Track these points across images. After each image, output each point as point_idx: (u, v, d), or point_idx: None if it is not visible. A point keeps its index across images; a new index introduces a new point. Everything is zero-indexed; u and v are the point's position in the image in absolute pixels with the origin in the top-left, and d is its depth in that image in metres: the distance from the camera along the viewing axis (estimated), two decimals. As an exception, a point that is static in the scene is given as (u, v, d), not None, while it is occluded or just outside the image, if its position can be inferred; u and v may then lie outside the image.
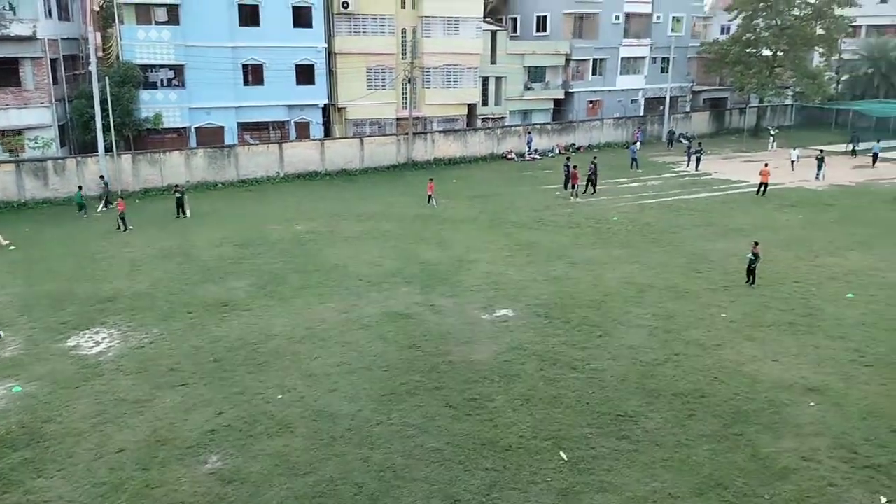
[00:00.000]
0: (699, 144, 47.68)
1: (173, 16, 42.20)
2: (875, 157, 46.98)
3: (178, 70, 43.07)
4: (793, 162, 44.33)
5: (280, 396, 16.62)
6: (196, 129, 44.03)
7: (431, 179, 37.62)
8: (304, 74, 46.18)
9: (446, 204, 36.29)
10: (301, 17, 45.41)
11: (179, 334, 20.31)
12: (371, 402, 16.32)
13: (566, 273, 25.33)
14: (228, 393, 16.84)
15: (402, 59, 48.85)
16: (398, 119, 50.17)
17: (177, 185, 36.01)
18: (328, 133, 48.74)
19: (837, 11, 56.17)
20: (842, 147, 52.59)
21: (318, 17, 45.76)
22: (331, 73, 47.94)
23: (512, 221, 32.90)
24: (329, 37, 47.06)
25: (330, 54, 47.53)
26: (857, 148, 50.37)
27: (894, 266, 25.61)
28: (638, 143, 51.38)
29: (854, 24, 64.78)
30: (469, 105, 53.11)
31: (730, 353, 18.73)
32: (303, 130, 47.07)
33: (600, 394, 16.61)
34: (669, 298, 22.73)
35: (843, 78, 66.00)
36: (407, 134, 47.86)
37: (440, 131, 50.23)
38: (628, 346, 19.14)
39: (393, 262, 26.81)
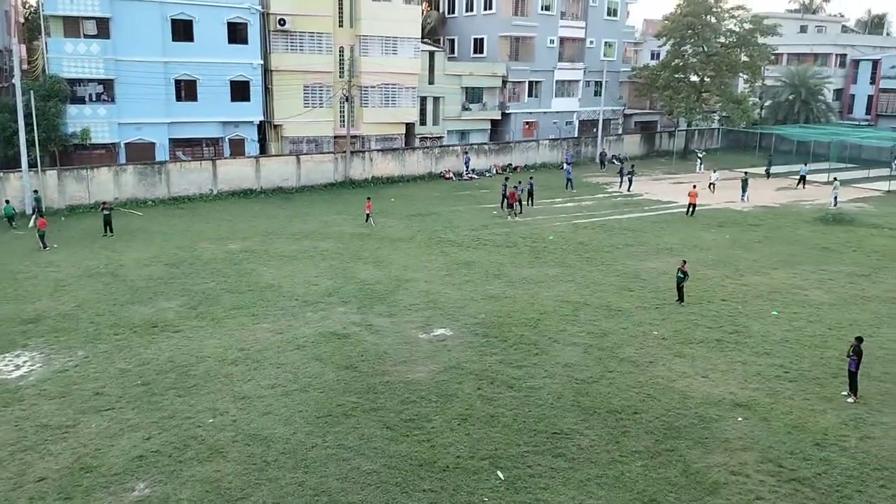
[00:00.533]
0: (631, 166, 48.95)
1: (103, 29, 41.04)
2: (802, 179, 49.04)
3: (107, 85, 41.83)
4: (712, 184, 45.70)
5: (211, 420, 16.15)
6: (126, 145, 42.76)
7: (369, 198, 37.49)
8: (239, 91, 45.51)
9: (384, 223, 36.19)
10: (236, 34, 44.83)
11: (105, 357, 19.56)
12: (306, 424, 16.03)
13: (503, 292, 25.53)
14: (157, 417, 16.27)
15: (340, 77, 48.70)
16: (336, 137, 49.90)
17: (104, 203, 34.84)
18: (264, 150, 48.06)
19: (760, 40, 58.89)
20: (762, 169, 54.83)
21: (253, 34, 45.26)
22: (267, 90, 47.40)
23: (450, 240, 33.03)
24: (265, 53, 46.58)
25: (266, 71, 47.02)
26: (770, 170, 52.54)
27: (815, 284, 26.74)
28: (570, 164, 52.37)
29: (776, 52, 68.02)
30: (407, 124, 53.25)
31: (661, 369, 19.16)
32: (237, 147, 46.29)
33: (537, 412, 16.73)
34: (603, 316, 23.15)
35: (767, 103, 69.00)
36: (345, 152, 47.63)
37: (378, 150, 50.18)
38: (564, 364, 19.36)
39: (329, 281, 26.53)
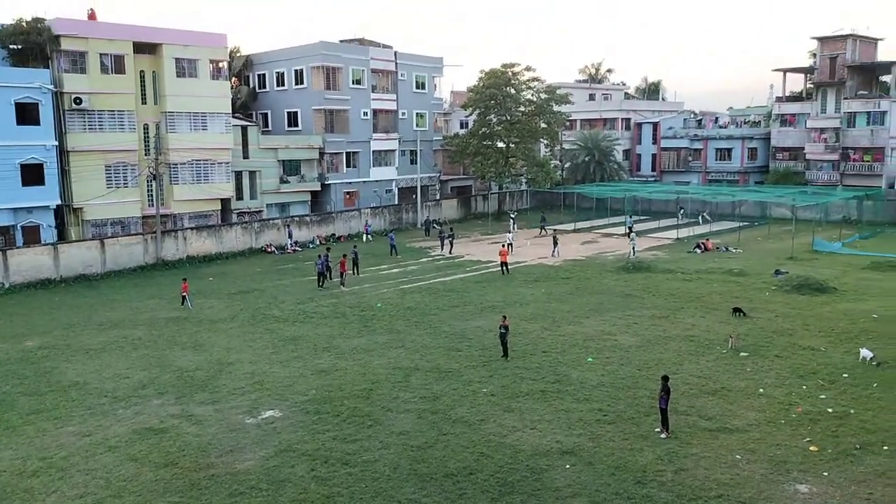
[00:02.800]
0: (450, 229, 50.64)
1: None
2: (630, 229, 52.67)
3: None
4: (510, 244, 47.02)
5: (6, 546, 14.19)
6: None
7: (185, 279, 35.66)
8: (32, 174, 42.03)
9: (203, 304, 34.51)
10: (27, 114, 41.64)
11: None
12: (122, 534, 14.53)
13: (334, 364, 25.06)
14: (-64, 553, 14.04)
15: (147, 155, 46.57)
16: (145, 217, 47.35)
17: None
18: (63, 236, 44.41)
19: (556, 108, 64.29)
20: (571, 226, 59.06)
21: (46, 114, 42.27)
22: (64, 172, 44.19)
23: (275, 316, 32.08)
24: (61, 133, 43.57)
25: (63, 152, 43.91)
26: (545, 226, 56.48)
27: (623, 329, 28.80)
28: (368, 235, 53.66)
29: (570, 118, 74.47)
30: (223, 200, 51.77)
31: (493, 426, 19.57)
32: (32, 235, 42.44)
33: (374, 486, 16.36)
34: (434, 379, 23.36)
35: (566, 165, 74.83)
36: (155, 233, 45.19)
37: (192, 228, 48.16)
38: (399, 433, 19.20)
39: (143, 372, 24.66)
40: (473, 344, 27.20)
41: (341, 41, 61.69)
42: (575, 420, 19.84)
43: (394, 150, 63.39)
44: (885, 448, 17.59)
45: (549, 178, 64.69)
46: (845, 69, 63.44)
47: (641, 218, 62.64)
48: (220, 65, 50.97)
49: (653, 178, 77.06)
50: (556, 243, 46.68)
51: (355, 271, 40.83)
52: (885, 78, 67.30)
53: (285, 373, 24.28)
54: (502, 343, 25.48)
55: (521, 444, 18.38)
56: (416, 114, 65.05)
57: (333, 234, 55.34)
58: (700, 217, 60.21)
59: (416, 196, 61.64)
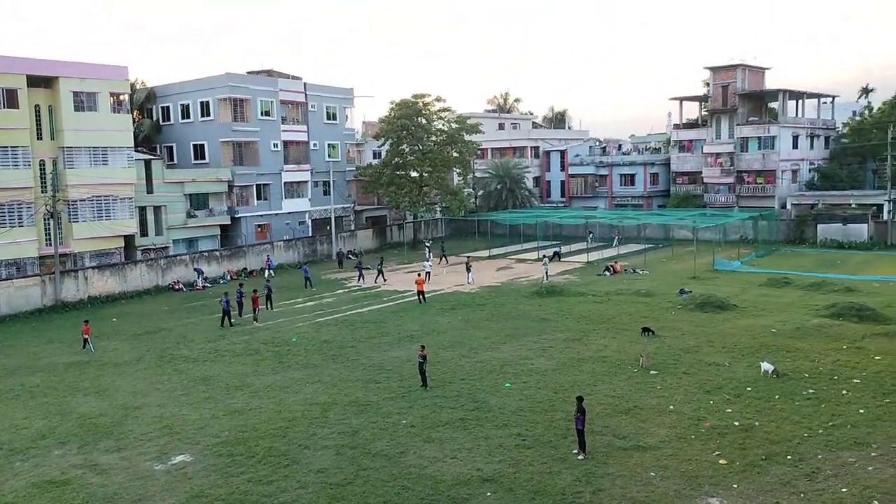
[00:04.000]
0: (380, 260, 50.38)
1: None
2: (557, 254, 54.40)
3: None
4: (428, 273, 47.10)
5: None
6: None
7: (86, 321, 33.98)
8: (-86, 215, 39.38)
9: (106, 346, 32.94)
10: None
11: None
12: None
13: (247, 403, 24.31)
14: None
15: (43, 192, 44.37)
16: (42, 257, 44.96)
17: None
18: (-50, 280, 41.61)
19: (467, 137, 65.33)
20: (486, 252, 59.83)
21: (-71, 150, 39.78)
22: (-50, 212, 41.58)
23: (184, 356, 30.92)
24: (-54, 171, 41.05)
25: (-52, 190, 41.36)
26: (445, 254, 57.11)
27: (539, 353, 29.23)
28: (271, 270, 52.97)
29: (481, 147, 75.75)
30: (126, 237, 49.80)
31: (413, 458, 19.39)
32: (-86, 279, 39.63)
33: (292, 528, 15.87)
34: (353, 413, 23.00)
35: (479, 193, 75.94)
36: (53, 273, 42.93)
37: (94, 267, 46.08)
38: (317, 471, 18.75)
39: (42, 421, 23.24)
40: (392, 375, 26.98)
41: (248, 73, 60.93)
42: (495, 447, 19.91)
43: (306, 182, 62.71)
44: (789, 457, 18.43)
45: (462, 206, 65.54)
46: (737, 97, 67.37)
47: (553, 243, 64.14)
48: (122, 97, 49.36)
49: (562, 204, 79.16)
50: (469, 269, 47.12)
51: (269, 306, 39.95)
52: (774, 104, 71.86)
53: (196, 415, 23.37)
54: (421, 373, 25.39)
55: (442, 475, 18.27)
56: (329, 144, 64.72)
57: (245, 269, 54.08)
58: (614, 241, 62.20)
59: (331, 227, 61.08)
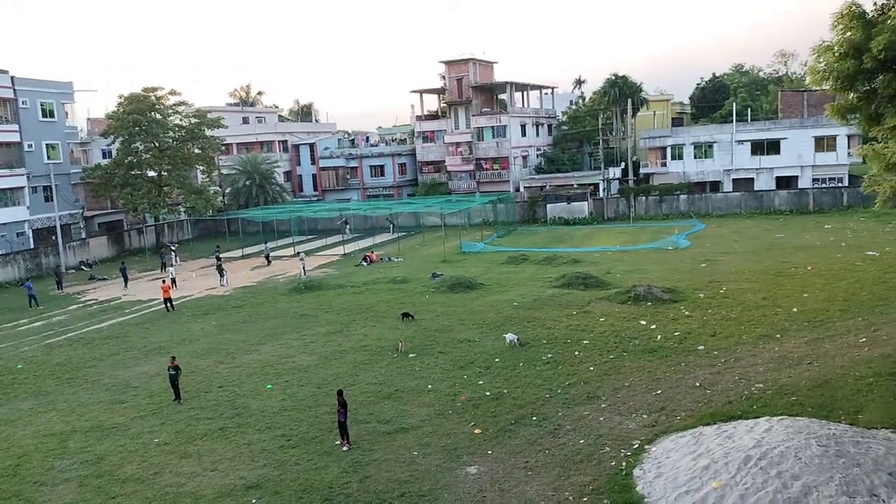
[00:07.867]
0: (220, 264, 46.47)
1: None
2: (267, 257, 52.80)
3: None
4: (173, 279, 43.99)
5: None
6: None
7: None
8: None
9: None
10: None
11: None
12: None
13: (-37, 447, 21.06)
14: None
15: None
16: None
17: None
18: None
19: (208, 132, 62.09)
20: (239, 253, 57.65)
21: None
22: None
23: None
24: None
25: None
26: (220, 262, 52.86)
27: (300, 350, 28.84)
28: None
29: (225, 142, 72.69)
30: None
31: (169, 477, 18.14)
32: None
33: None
34: (97, 439, 20.95)
35: (227, 191, 72.81)
36: None
37: None
38: (56, 509, 16.81)
39: None
40: (140, 392, 24.98)
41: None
42: (258, 452, 19.30)
43: (21, 188, 55.48)
44: (535, 418, 20.14)
45: (210, 206, 62.34)
46: (470, 89, 71.75)
47: (309, 237, 63.63)
48: None
49: (315, 198, 78.81)
50: (221, 273, 45.08)
51: (-16, 331, 34.94)
52: (503, 96, 77.67)
53: None
54: (173, 385, 23.81)
55: (203, 490, 17.32)
56: (47, 145, 57.81)
57: (-49, 291, 46.64)
58: (391, 227, 63.70)
59: (57, 237, 54.72)
